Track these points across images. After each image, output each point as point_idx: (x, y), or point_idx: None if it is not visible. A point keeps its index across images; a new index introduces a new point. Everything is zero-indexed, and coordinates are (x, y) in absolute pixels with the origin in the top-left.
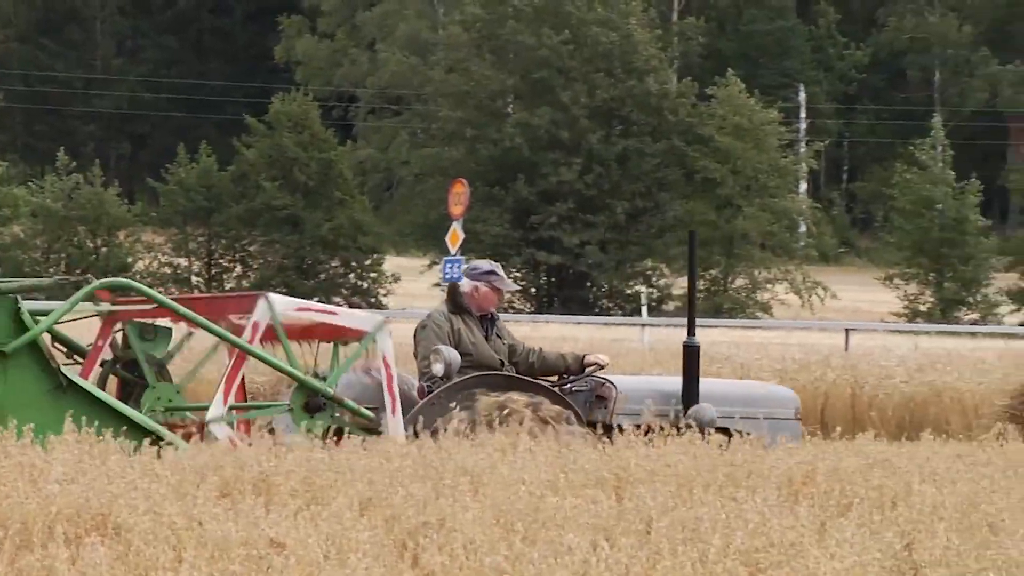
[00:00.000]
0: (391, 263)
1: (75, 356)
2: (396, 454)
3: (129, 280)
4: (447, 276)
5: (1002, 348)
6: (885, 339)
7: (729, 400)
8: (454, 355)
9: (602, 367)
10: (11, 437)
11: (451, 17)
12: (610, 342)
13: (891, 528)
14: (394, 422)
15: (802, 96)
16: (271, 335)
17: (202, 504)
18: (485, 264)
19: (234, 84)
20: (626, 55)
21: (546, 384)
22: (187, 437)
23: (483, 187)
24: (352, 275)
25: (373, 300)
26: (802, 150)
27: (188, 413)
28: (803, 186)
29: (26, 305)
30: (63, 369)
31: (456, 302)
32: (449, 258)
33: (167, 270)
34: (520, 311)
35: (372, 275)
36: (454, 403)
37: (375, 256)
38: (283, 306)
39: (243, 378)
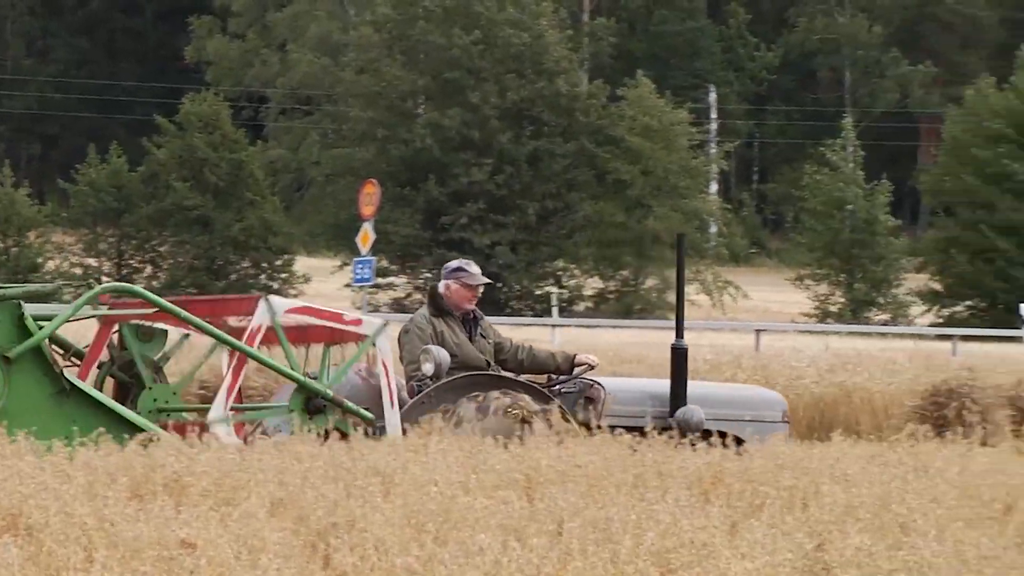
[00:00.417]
0: (302, 264)
1: (72, 358)
2: (307, 455)
3: (132, 285)
4: (358, 277)
5: (912, 349)
6: (795, 340)
7: (717, 402)
8: (444, 355)
9: (592, 367)
10: None
11: (362, 18)
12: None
13: (802, 529)
14: (392, 423)
15: (712, 97)
16: (271, 337)
17: (113, 505)
18: (454, 262)
19: (145, 84)
20: (537, 56)
21: (536, 385)
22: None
23: (394, 188)
24: (263, 275)
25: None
26: (712, 151)
27: (185, 415)
28: (714, 187)
29: (28, 309)
30: (66, 373)
31: (436, 304)
32: (360, 259)
33: (77, 270)
34: None
35: (283, 276)
36: (446, 402)
37: (286, 257)
38: (283, 309)
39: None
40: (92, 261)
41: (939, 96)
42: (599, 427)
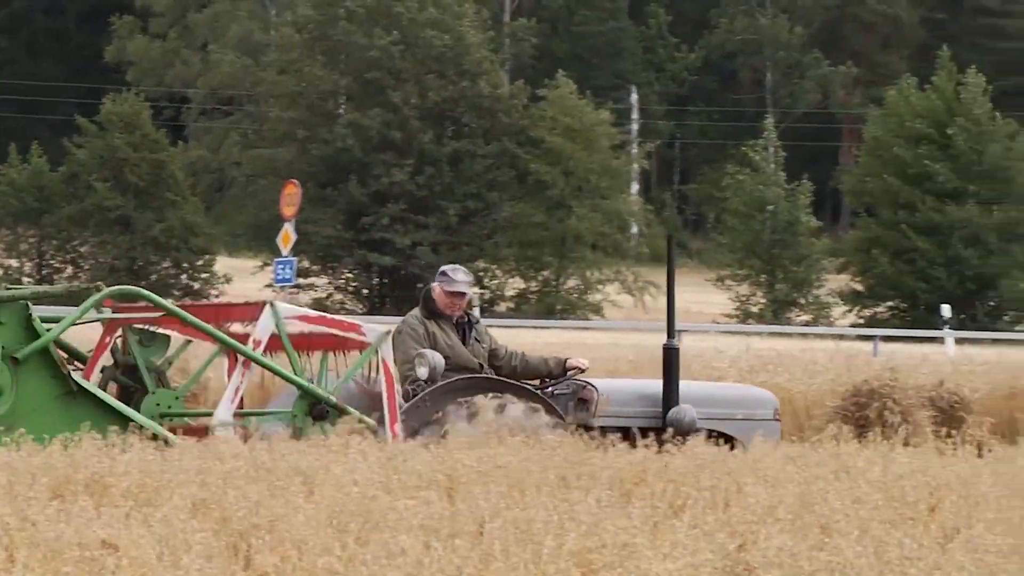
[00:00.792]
0: (223, 264)
1: (75, 362)
2: (229, 455)
3: (139, 288)
4: (279, 278)
5: (833, 349)
6: (717, 340)
7: (709, 402)
8: (438, 358)
9: (583, 370)
10: None
11: (283, 18)
12: None
13: (724, 529)
14: (392, 426)
15: (634, 97)
16: (275, 343)
17: (34, 505)
18: (446, 266)
19: (66, 84)
20: (458, 57)
21: (530, 387)
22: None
23: (315, 188)
24: (184, 276)
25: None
26: (634, 151)
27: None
28: (635, 187)
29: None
30: (73, 375)
31: (428, 306)
32: (281, 259)
33: None
34: (352, 312)
35: (204, 276)
36: (440, 406)
37: (207, 257)
38: (288, 315)
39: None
40: (13, 262)
41: (860, 96)
42: (593, 427)
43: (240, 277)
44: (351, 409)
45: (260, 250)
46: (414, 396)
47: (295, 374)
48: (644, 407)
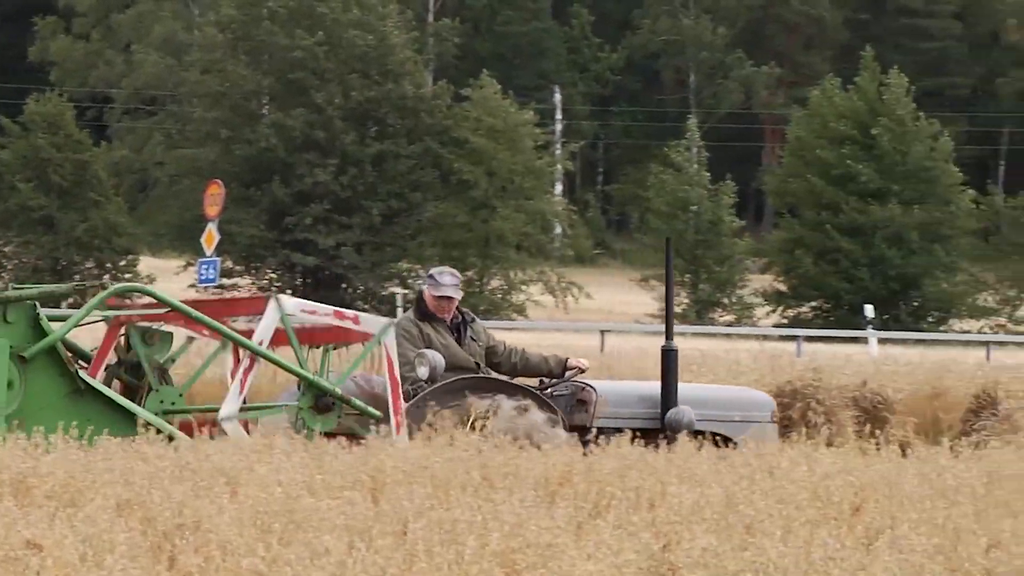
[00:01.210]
0: (146, 264)
1: (79, 360)
2: (153, 455)
3: (144, 286)
4: (202, 277)
5: (757, 349)
6: (640, 340)
7: (707, 403)
8: (438, 358)
9: (583, 370)
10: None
11: (206, 18)
12: None
13: (648, 529)
14: (397, 420)
15: (557, 97)
16: (281, 336)
17: None
18: (434, 268)
19: None
20: (382, 57)
21: (531, 388)
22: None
23: (238, 188)
24: (107, 276)
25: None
26: (557, 151)
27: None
28: (558, 187)
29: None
30: (81, 373)
31: (421, 309)
32: (204, 259)
33: None
34: None
35: (127, 276)
36: (441, 406)
37: (130, 257)
38: (293, 308)
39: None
40: None
41: (783, 97)
42: (592, 429)
43: (164, 277)
44: (357, 401)
45: (184, 250)
46: (414, 396)
47: (300, 367)
48: (643, 409)
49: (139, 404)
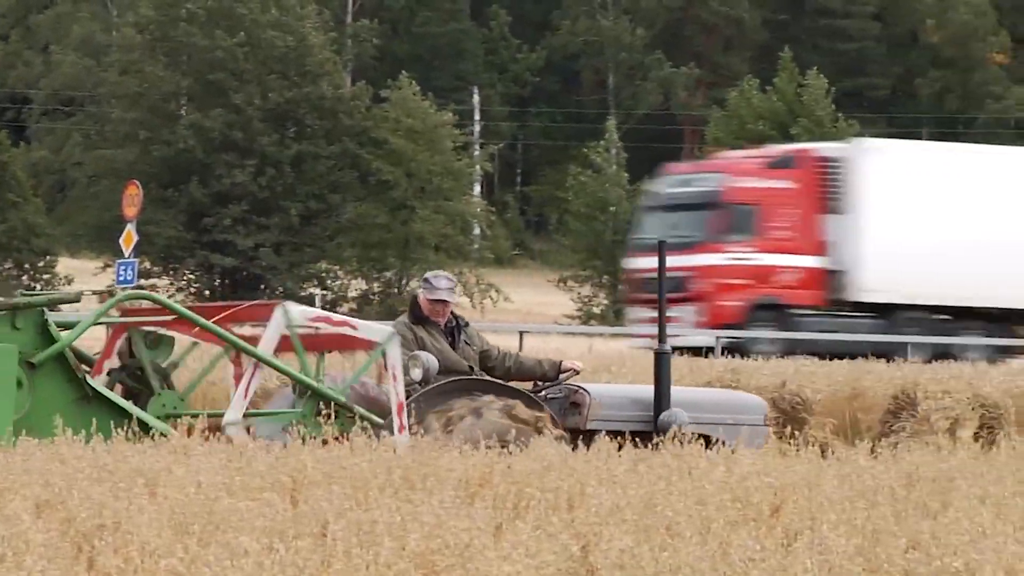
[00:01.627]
0: (64, 265)
1: (82, 365)
2: (72, 456)
3: (151, 293)
4: (120, 279)
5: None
6: (559, 341)
7: (700, 406)
8: (432, 360)
9: (577, 372)
10: None
11: (124, 19)
12: None
13: (568, 530)
14: (399, 428)
15: (476, 99)
16: (286, 344)
17: None
18: (430, 272)
19: None
20: (300, 58)
21: (523, 389)
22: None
23: (156, 189)
24: (25, 277)
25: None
26: (476, 153)
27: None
28: (477, 188)
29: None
30: (88, 379)
31: (415, 312)
32: (123, 260)
33: None
34: None
35: (45, 277)
36: (434, 407)
37: (48, 258)
38: (299, 316)
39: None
40: None
41: (702, 98)
42: (585, 431)
43: (82, 278)
44: (359, 408)
45: (102, 251)
46: (408, 398)
47: (305, 375)
48: (636, 411)
49: (141, 408)
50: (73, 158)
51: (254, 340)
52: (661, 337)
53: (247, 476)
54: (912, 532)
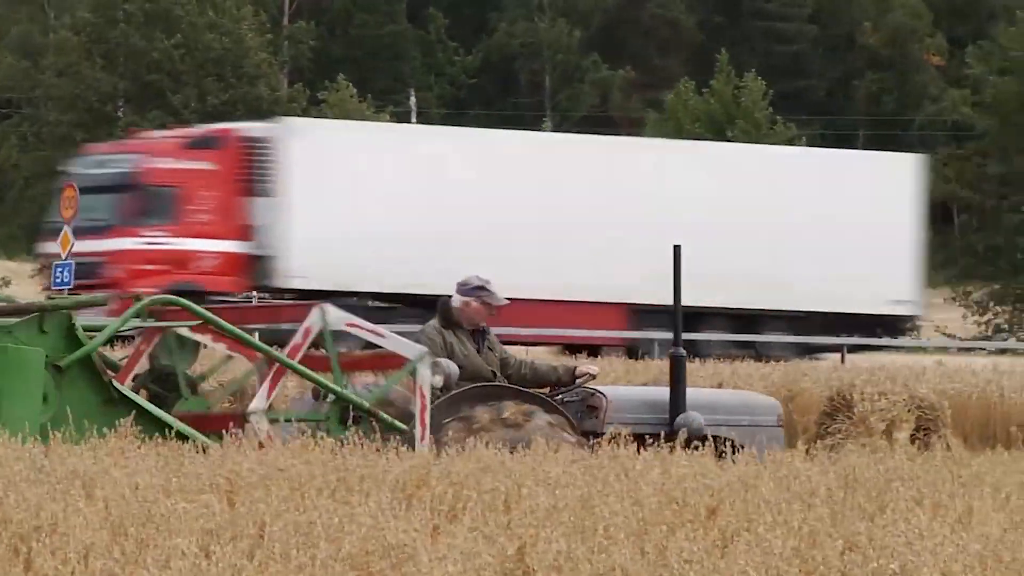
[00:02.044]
0: (0, 267)
1: (108, 371)
2: (8, 458)
3: (178, 298)
4: (57, 281)
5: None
6: None
7: (715, 408)
8: (453, 367)
9: (593, 377)
10: None
11: (62, 21)
12: None
13: (504, 532)
14: (420, 447)
15: (412, 100)
16: (321, 363)
17: None
18: (475, 279)
19: None
20: (237, 60)
21: (541, 394)
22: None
23: None
24: None
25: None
26: None
27: None
28: None
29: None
30: (114, 383)
31: (447, 317)
32: (60, 263)
33: None
34: None
35: None
36: (454, 413)
37: None
38: (335, 318)
39: None
40: None
41: (639, 100)
42: (602, 435)
43: (18, 280)
44: (383, 415)
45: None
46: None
47: (334, 380)
48: (652, 414)
49: (167, 412)
50: (10, 160)
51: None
52: (676, 340)
53: (184, 478)
54: (849, 534)
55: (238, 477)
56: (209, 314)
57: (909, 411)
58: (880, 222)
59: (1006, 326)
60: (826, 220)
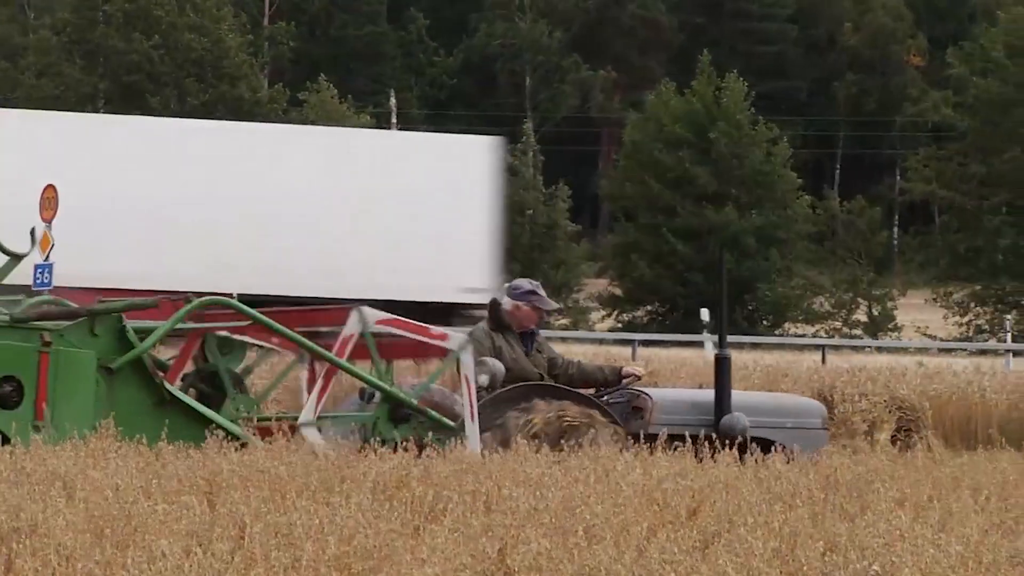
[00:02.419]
0: None
1: (158, 372)
2: None
3: (228, 299)
4: (38, 282)
5: (593, 354)
6: None
7: (759, 410)
8: (499, 366)
9: (639, 378)
10: None
11: (41, 21)
12: None
13: (485, 533)
14: (472, 435)
15: (393, 101)
16: (361, 352)
17: None
18: (526, 284)
19: None
20: (217, 60)
21: (589, 395)
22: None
23: None
24: None
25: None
26: None
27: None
28: None
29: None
30: (165, 384)
31: (497, 320)
32: (40, 263)
33: None
34: None
35: None
36: (499, 412)
37: None
38: (374, 320)
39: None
40: None
41: (619, 101)
42: (647, 435)
43: None
44: (432, 412)
45: None
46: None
47: (379, 378)
48: (697, 415)
49: (217, 412)
50: None
51: (330, 345)
52: (722, 342)
53: (164, 479)
54: (830, 535)
55: (218, 478)
56: (259, 315)
57: (890, 412)
58: (451, 207)
59: (987, 327)
60: (389, 205)
